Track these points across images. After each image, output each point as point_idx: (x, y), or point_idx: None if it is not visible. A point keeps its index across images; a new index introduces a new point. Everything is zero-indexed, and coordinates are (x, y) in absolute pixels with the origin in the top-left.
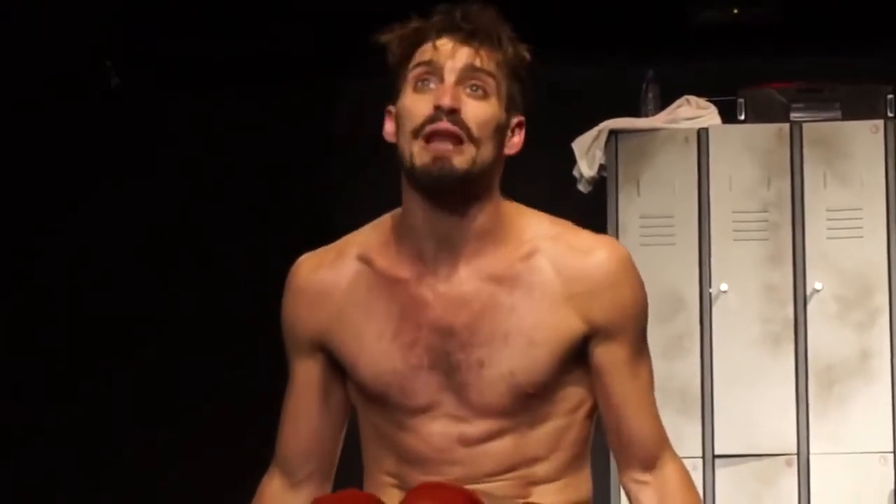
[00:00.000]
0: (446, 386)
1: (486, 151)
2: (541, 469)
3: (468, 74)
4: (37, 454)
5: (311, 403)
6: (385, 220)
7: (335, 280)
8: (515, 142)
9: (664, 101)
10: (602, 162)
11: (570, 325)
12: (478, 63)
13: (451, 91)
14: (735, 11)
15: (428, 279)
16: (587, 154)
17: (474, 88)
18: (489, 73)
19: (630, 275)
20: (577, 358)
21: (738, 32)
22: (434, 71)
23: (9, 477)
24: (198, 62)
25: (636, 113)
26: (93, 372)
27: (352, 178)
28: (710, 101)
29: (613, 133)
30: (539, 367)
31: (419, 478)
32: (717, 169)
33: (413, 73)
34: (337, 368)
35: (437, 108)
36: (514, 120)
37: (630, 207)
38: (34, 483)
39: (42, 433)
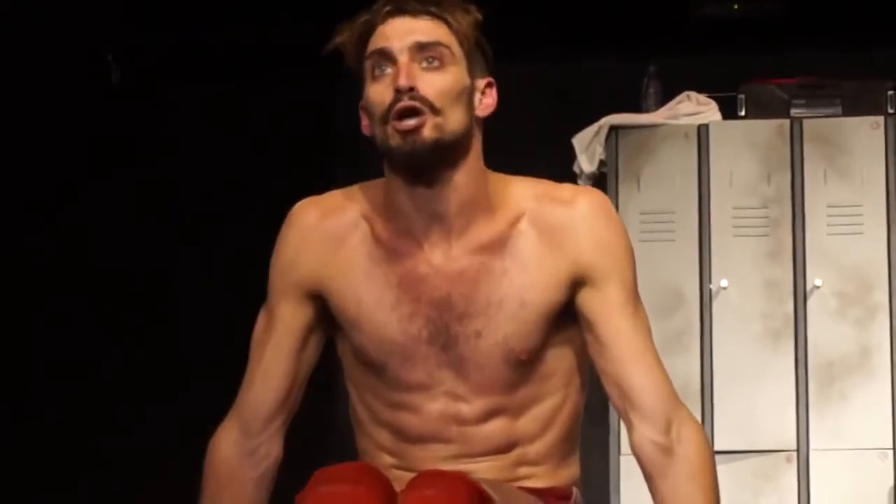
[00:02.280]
0: (445, 361)
1: (454, 118)
2: (533, 449)
3: (419, 50)
4: (35, 452)
5: (289, 351)
6: (379, 188)
7: (343, 231)
8: (488, 103)
9: (665, 97)
10: (602, 157)
11: (557, 275)
12: (426, 38)
13: (405, 70)
14: (736, 7)
15: (423, 255)
16: (587, 149)
17: (430, 61)
18: (440, 44)
19: (612, 217)
20: (565, 317)
21: (739, 28)
22: (386, 56)
23: (7, 476)
24: (198, 57)
25: (637, 109)
26: (90, 366)
27: (352, 174)
28: (711, 97)
29: (614, 129)
30: (529, 329)
31: (417, 454)
32: (718, 165)
33: (368, 64)
34: (321, 321)
35: (396, 90)
36: (482, 82)
37: (630, 203)
38: (33, 482)
39: (41, 429)
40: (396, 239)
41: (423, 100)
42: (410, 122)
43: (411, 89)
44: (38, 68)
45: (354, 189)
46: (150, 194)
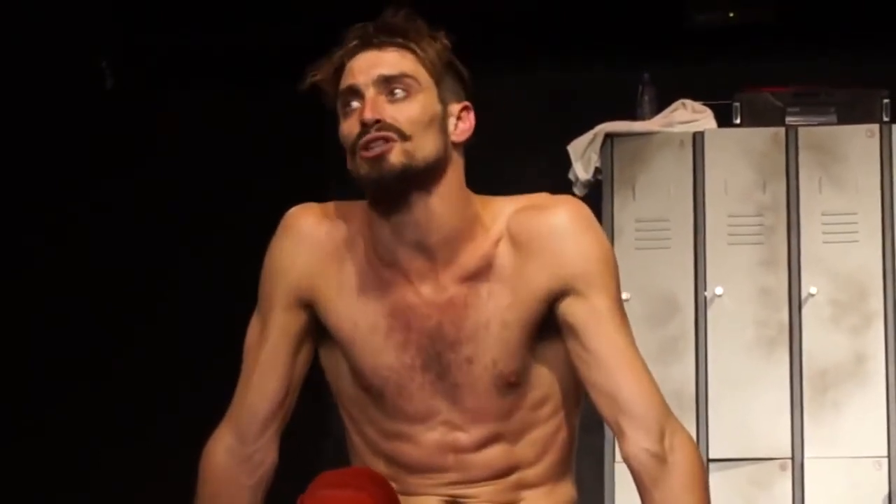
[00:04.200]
0: (440, 390)
1: (426, 144)
2: (530, 473)
3: (385, 83)
4: (35, 452)
5: (283, 358)
6: (371, 215)
7: (338, 244)
8: (464, 128)
9: (660, 105)
10: (598, 165)
11: (536, 288)
12: (390, 70)
13: (370, 104)
14: (731, 15)
15: (410, 286)
16: (583, 157)
17: (395, 93)
18: (405, 75)
19: (592, 226)
20: (548, 335)
21: (735, 36)
22: (354, 92)
23: (7, 476)
24: (197, 59)
25: (632, 116)
26: (90, 366)
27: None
28: (706, 105)
29: (609, 136)
30: (513, 349)
31: (415, 482)
32: (713, 173)
33: (340, 102)
34: (314, 328)
35: (363, 123)
36: (456, 107)
37: (625, 211)
38: (33, 481)
39: (41, 429)
40: (384, 268)
41: (391, 127)
42: (377, 150)
43: (377, 121)
44: (41, 68)
45: (353, 204)
46: (150, 194)
